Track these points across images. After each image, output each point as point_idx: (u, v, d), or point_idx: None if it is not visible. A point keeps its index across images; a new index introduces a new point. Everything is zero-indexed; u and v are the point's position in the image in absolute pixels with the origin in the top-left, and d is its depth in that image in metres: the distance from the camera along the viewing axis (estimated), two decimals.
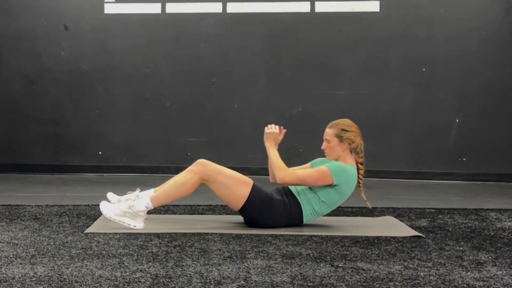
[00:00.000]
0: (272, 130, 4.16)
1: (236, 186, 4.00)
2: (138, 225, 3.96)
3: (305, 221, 4.12)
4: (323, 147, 4.18)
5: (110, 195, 4.29)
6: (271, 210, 4.02)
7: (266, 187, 4.20)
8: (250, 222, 4.11)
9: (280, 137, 4.18)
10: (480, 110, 7.36)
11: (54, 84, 7.67)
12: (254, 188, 4.01)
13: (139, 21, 7.60)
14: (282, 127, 4.20)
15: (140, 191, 4.13)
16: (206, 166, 4.03)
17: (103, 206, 3.98)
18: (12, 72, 7.69)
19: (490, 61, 7.34)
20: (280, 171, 4.02)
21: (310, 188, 4.09)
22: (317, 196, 4.06)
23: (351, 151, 4.13)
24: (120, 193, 4.32)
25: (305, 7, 7.50)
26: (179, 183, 4.04)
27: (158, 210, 4.73)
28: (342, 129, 4.11)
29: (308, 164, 4.33)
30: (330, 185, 4.03)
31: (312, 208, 4.07)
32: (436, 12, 7.38)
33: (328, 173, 4.00)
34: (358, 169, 4.14)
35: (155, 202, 4.00)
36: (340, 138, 4.10)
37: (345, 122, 4.17)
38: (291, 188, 4.15)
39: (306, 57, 7.50)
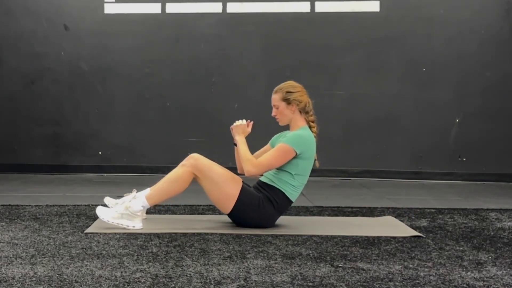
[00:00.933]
0: (240, 122, 4.15)
1: (226, 184, 3.98)
2: (136, 225, 3.95)
3: (293, 200, 4.11)
4: (273, 114, 4.18)
5: (107, 199, 4.29)
6: (260, 209, 4.01)
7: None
8: (239, 224, 4.10)
9: (249, 129, 4.17)
10: (480, 110, 7.36)
11: (54, 84, 7.67)
12: (243, 189, 4.01)
13: (139, 21, 7.60)
14: (252, 122, 4.21)
15: (136, 192, 4.12)
16: (198, 160, 4.03)
17: (100, 211, 3.98)
18: (12, 72, 7.70)
19: (490, 61, 7.34)
20: (247, 163, 3.99)
21: (278, 169, 4.07)
22: (287, 173, 4.04)
23: (300, 112, 4.12)
24: (120, 193, 4.32)
25: (305, 7, 7.50)
26: (172, 179, 4.03)
27: (158, 210, 4.73)
28: (287, 91, 4.11)
29: (267, 145, 4.32)
30: (295, 157, 4.01)
31: (291, 185, 4.05)
32: (436, 13, 7.38)
33: (288, 147, 3.98)
34: (310, 127, 4.13)
35: (151, 200, 4.00)
36: (287, 101, 4.10)
37: (289, 83, 4.17)
38: (263, 180, 4.14)
39: (306, 57, 7.50)
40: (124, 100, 7.66)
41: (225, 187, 3.98)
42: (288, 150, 3.99)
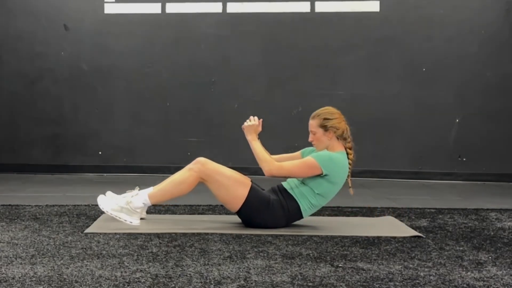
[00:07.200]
0: (252, 122, 4.13)
1: (234, 187, 3.98)
2: (134, 221, 3.96)
3: (304, 216, 4.10)
4: (310, 139, 4.14)
5: (109, 194, 4.29)
6: (268, 211, 4.00)
7: (262, 185, 4.21)
8: (248, 224, 4.10)
9: (260, 128, 4.15)
10: (480, 110, 7.36)
11: (54, 84, 7.67)
12: (252, 190, 4.00)
13: (139, 21, 7.60)
14: (261, 119, 4.18)
15: (139, 190, 4.13)
16: (205, 165, 4.02)
17: (101, 200, 3.99)
18: (12, 72, 7.69)
19: (490, 61, 7.34)
20: (267, 164, 3.99)
21: (303, 182, 4.06)
22: (310, 189, 4.03)
23: (338, 138, 4.09)
24: (120, 193, 4.32)
25: (305, 7, 7.50)
26: (178, 181, 4.03)
27: (157, 210, 4.73)
28: (325, 118, 4.07)
29: (298, 153, 4.29)
30: (321, 176, 3.98)
31: (309, 202, 4.03)
32: (436, 12, 7.38)
33: (315, 163, 3.96)
34: (347, 154, 4.11)
35: (153, 199, 4.00)
36: (324, 127, 4.06)
37: (327, 110, 4.13)
38: (284, 184, 4.13)
39: (306, 57, 7.50)
40: (124, 100, 7.66)
41: (233, 189, 3.97)
42: (314, 166, 3.96)
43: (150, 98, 7.63)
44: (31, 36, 7.65)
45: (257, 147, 4.08)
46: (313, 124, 4.11)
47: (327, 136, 4.07)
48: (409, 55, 7.41)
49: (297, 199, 4.03)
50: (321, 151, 4.10)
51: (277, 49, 7.54)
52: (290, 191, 4.06)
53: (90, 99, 7.66)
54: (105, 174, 7.56)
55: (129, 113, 7.67)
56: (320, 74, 7.48)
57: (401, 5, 7.42)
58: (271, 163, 4.00)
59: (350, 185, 4.14)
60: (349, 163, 4.09)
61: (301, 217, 4.10)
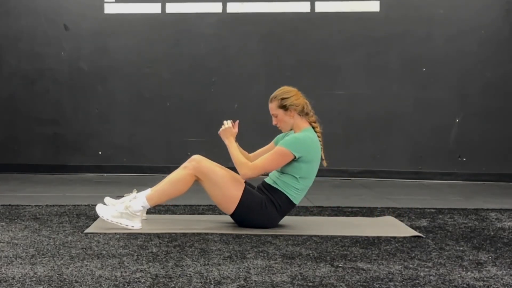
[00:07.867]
0: (226, 126, 4.13)
1: (228, 187, 3.97)
2: (135, 225, 3.95)
3: (296, 202, 4.09)
4: (273, 123, 4.16)
5: (107, 199, 4.29)
6: (262, 211, 4.00)
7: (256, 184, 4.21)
8: (243, 225, 4.09)
9: (235, 130, 4.16)
10: (480, 110, 7.36)
11: (54, 84, 7.67)
12: (245, 191, 3.99)
13: (139, 21, 7.60)
14: (237, 121, 4.20)
15: (137, 192, 4.12)
16: (200, 162, 4.02)
17: (100, 208, 3.97)
18: (12, 72, 7.69)
19: (490, 61, 7.34)
20: (242, 167, 3.98)
21: (282, 172, 4.05)
22: (291, 176, 4.02)
23: (300, 115, 4.09)
24: (120, 193, 4.32)
25: (305, 7, 7.50)
26: (174, 180, 4.02)
27: (157, 210, 4.73)
28: (282, 98, 4.09)
29: (271, 143, 4.30)
30: (295, 160, 3.98)
31: (294, 189, 4.02)
32: (436, 12, 7.38)
33: (284, 151, 3.96)
34: (314, 128, 4.10)
35: (152, 201, 3.99)
36: (284, 107, 4.07)
37: (283, 90, 4.15)
38: (267, 180, 4.13)
39: (306, 57, 7.50)
40: (124, 100, 7.66)
41: (227, 189, 3.97)
42: (284, 154, 3.96)
43: (150, 98, 7.63)
44: (31, 36, 7.65)
45: (233, 150, 4.07)
46: (272, 107, 4.14)
47: (289, 115, 4.08)
48: (409, 55, 7.41)
49: (283, 190, 4.03)
50: (287, 132, 4.14)
51: (277, 49, 7.54)
52: (274, 185, 4.06)
53: (90, 99, 7.66)
54: (105, 174, 7.56)
55: (129, 113, 7.67)
56: (320, 74, 7.48)
57: (401, 5, 7.42)
58: (245, 165, 3.99)
59: (323, 157, 4.12)
60: (318, 136, 4.09)
61: (293, 205, 4.10)
